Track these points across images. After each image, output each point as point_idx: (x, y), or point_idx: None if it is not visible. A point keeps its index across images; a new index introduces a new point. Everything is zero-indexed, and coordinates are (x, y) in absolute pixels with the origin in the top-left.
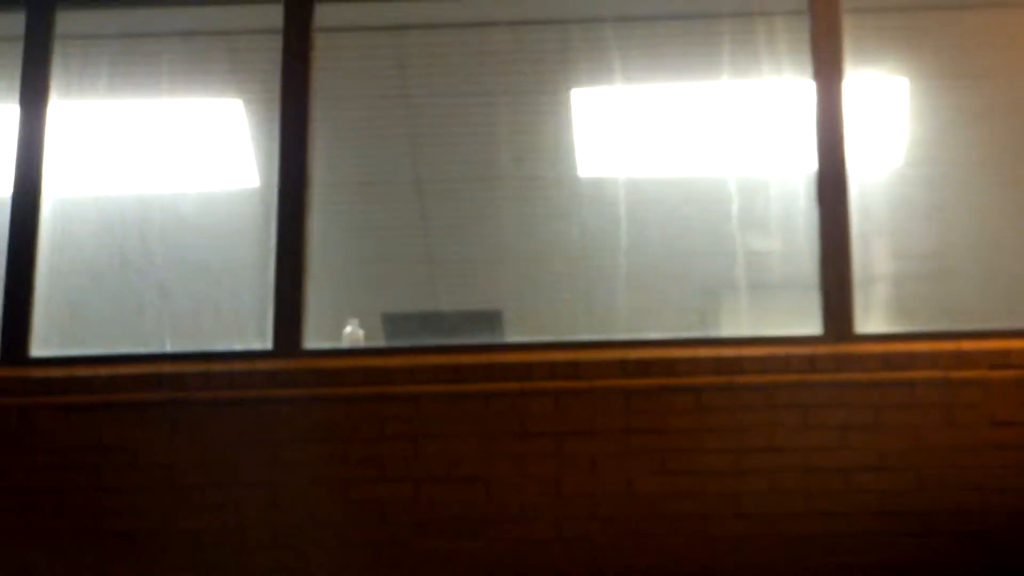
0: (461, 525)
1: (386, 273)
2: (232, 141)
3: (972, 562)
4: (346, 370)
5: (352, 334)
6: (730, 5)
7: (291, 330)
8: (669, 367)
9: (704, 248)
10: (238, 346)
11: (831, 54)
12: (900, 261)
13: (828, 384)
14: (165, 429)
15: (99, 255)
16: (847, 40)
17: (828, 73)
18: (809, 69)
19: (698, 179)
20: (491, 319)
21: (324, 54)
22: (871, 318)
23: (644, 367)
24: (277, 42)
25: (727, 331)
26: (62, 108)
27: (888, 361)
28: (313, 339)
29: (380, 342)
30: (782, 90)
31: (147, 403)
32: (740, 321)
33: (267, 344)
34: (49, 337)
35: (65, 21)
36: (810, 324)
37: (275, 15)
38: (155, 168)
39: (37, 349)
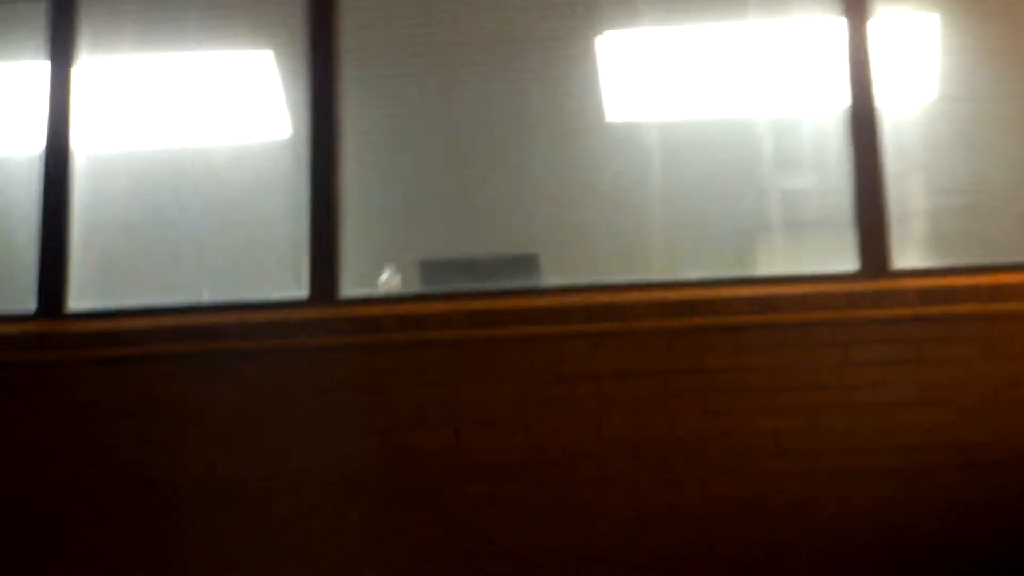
0: (501, 470)
1: (421, 220)
2: (262, 92)
3: (1014, 493)
4: (383, 317)
5: (388, 281)
6: None
7: (327, 278)
8: (707, 307)
9: (738, 188)
10: (275, 296)
11: None
12: (935, 196)
13: (866, 320)
14: (203, 379)
15: (132, 209)
16: None
17: (857, 9)
18: (838, 6)
19: (729, 120)
20: (528, 263)
21: (351, 3)
22: (907, 254)
23: (682, 308)
24: None
25: (763, 270)
26: (90, 64)
27: (926, 296)
28: (349, 287)
29: (416, 289)
30: (812, 28)
31: (185, 354)
32: (776, 260)
33: (303, 293)
34: (85, 291)
35: None
36: (847, 261)
37: None
38: (185, 121)
39: (74, 303)
